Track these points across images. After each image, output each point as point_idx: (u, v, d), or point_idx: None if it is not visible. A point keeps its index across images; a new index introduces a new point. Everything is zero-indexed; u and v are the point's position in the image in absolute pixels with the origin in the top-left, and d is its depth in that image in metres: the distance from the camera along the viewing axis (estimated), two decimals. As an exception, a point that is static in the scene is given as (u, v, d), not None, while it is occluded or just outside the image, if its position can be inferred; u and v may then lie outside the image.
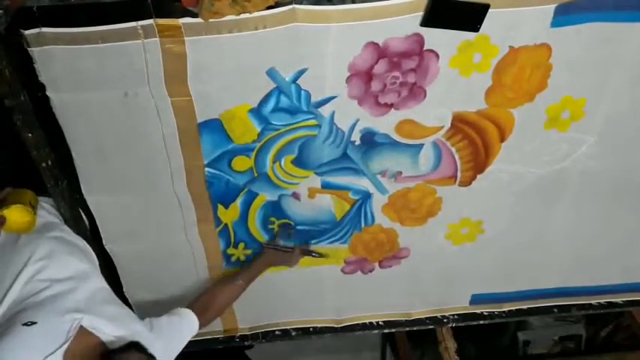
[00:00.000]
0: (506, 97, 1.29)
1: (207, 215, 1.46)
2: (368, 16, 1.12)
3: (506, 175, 1.45)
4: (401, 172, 1.42)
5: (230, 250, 1.57)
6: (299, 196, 1.45)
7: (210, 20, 1.09)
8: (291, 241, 1.55)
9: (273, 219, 1.50)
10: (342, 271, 1.66)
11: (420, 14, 1.12)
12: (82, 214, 1.43)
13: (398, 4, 1.11)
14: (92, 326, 1.13)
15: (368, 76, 1.21)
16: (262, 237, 1.54)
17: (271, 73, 1.20)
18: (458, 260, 1.66)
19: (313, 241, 1.57)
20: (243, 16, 1.09)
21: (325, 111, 1.27)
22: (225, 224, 1.50)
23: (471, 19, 1.14)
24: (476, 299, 1.81)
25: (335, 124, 1.30)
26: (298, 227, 1.53)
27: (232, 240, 1.54)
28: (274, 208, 1.47)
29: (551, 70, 1.26)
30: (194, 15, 1.09)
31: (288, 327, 1.83)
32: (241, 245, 1.56)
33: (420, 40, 1.16)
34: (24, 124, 1.20)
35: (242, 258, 1.59)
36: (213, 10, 1.07)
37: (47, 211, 1.37)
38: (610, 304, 1.88)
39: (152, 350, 1.15)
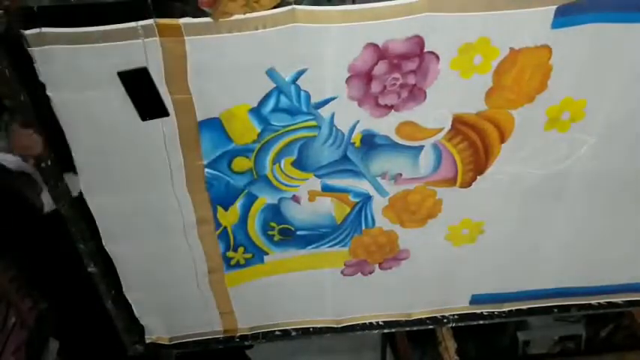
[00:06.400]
0: (506, 98, 1.28)
1: (207, 217, 1.46)
2: (368, 17, 1.12)
3: (506, 177, 1.44)
4: (401, 174, 1.41)
5: (230, 254, 1.56)
6: (299, 199, 1.44)
7: (212, 20, 1.09)
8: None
9: (273, 224, 1.50)
10: (342, 273, 1.65)
11: (421, 15, 1.12)
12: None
13: (398, 5, 1.11)
14: None
15: (368, 77, 1.21)
16: (262, 242, 1.54)
17: (271, 74, 1.20)
18: (458, 261, 1.66)
19: (313, 246, 1.57)
20: (243, 16, 1.10)
21: (325, 112, 1.27)
22: (225, 227, 1.49)
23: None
24: (476, 299, 1.81)
25: (335, 125, 1.30)
26: (298, 233, 1.52)
27: (232, 243, 1.53)
28: (274, 213, 1.47)
29: (552, 71, 1.25)
30: (194, 15, 1.09)
31: (288, 327, 1.82)
32: (241, 249, 1.55)
33: (420, 41, 1.16)
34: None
35: (242, 262, 1.59)
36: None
37: None
38: (610, 304, 1.87)
39: None
